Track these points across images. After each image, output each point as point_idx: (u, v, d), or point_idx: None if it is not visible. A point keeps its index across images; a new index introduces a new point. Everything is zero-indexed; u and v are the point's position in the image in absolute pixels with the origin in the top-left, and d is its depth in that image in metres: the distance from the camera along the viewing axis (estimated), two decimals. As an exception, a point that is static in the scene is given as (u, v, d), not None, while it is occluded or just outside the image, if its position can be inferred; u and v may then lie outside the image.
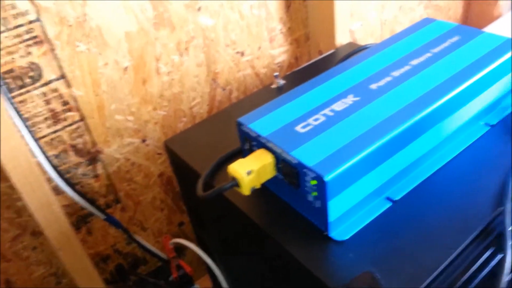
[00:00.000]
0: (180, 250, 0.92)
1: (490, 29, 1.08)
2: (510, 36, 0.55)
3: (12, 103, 0.58)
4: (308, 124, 0.48)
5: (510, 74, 0.54)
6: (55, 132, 0.68)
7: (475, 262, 0.44)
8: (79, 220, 0.78)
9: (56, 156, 0.70)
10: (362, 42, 1.00)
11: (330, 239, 0.45)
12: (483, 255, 0.45)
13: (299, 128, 0.47)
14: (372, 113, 0.47)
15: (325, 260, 0.44)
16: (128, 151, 0.77)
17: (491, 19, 1.14)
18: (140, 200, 0.84)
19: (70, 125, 0.69)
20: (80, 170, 0.74)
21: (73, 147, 0.71)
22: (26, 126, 0.60)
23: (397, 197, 0.48)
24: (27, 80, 0.63)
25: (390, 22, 1.05)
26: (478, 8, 1.16)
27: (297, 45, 0.89)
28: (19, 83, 0.62)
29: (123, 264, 0.88)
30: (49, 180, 0.68)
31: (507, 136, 0.53)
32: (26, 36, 0.60)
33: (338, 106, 0.49)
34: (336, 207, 0.44)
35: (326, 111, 0.49)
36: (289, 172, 0.46)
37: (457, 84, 0.49)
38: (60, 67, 0.64)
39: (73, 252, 0.72)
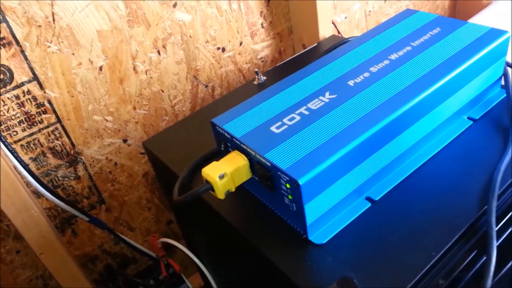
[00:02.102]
0: (171, 248, 0.91)
1: (478, 17, 1.05)
2: (499, 24, 0.53)
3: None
4: (283, 124, 0.46)
5: (494, 65, 0.52)
6: (31, 135, 0.67)
7: (459, 264, 0.43)
8: (63, 222, 0.77)
9: (34, 159, 0.69)
10: (347, 34, 0.98)
11: (309, 243, 0.44)
12: (467, 257, 0.43)
13: (274, 129, 0.46)
14: (349, 111, 0.45)
15: (303, 265, 0.43)
16: (110, 151, 0.76)
17: (480, 7, 1.11)
18: (125, 200, 0.82)
19: (47, 127, 0.67)
20: (60, 173, 0.72)
21: (51, 149, 0.70)
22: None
23: (377, 197, 0.46)
24: (-2, 83, 0.61)
25: (375, 13, 1.02)
26: (466, -4, 1.13)
27: (280, 39, 0.87)
28: (-11, 86, 0.61)
29: (111, 264, 0.87)
30: (29, 184, 0.67)
31: (490, 130, 0.51)
32: (-8, 38, 0.58)
33: (314, 104, 0.47)
34: (313, 210, 0.42)
35: (302, 109, 0.47)
36: (263, 175, 0.44)
37: (438, 78, 0.47)
38: (32, 69, 0.62)
39: (55, 255, 0.71)
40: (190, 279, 0.82)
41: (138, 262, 0.90)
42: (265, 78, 0.71)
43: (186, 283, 0.80)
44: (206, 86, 0.81)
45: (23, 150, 0.67)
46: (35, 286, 0.80)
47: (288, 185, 0.41)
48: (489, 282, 0.39)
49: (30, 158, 0.68)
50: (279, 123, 0.46)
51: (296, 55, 0.77)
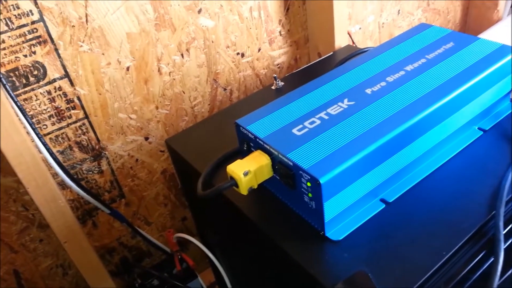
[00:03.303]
0: (184, 244, 0.94)
1: (489, 33, 1.08)
2: (509, 40, 0.56)
3: (16, 101, 0.60)
4: (304, 127, 0.49)
5: (504, 80, 0.55)
6: (59, 129, 0.70)
7: (467, 265, 0.45)
8: (84, 214, 0.80)
9: (61, 152, 0.72)
10: (360, 45, 1.01)
11: (325, 239, 0.47)
12: (475, 258, 0.46)
13: (295, 131, 0.49)
14: (367, 117, 0.48)
15: (320, 259, 0.45)
16: (132, 148, 0.79)
17: (490, 23, 1.14)
18: (144, 196, 0.86)
19: (75, 122, 0.71)
20: (85, 166, 0.76)
21: (78, 143, 0.73)
22: (31, 123, 0.61)
23: (391, 199, 0.49)
24: (32, 79, 0.64)
25: (388, 25, 1.06)
26: (477, 12, 1.16)
27: (296, 47, 0.90)
28: (24, 81, 0.64)
29: (127, 257, 0.90)
30: (55, 175, 0.70)
31: (500, 140, 0.54)
32: (30, 36, 0.62)
33: (334, 110, 0.50)
34: (331, 208, 0.45)
35: (322, 114, 0.50)
36: (285, 174, 0.47)
37: (451, 90, 0.50)
38: (64, 66, 0.66)
39: (78, 245, 0.74)
40: (201, 275, 0.85)
41: (152, 256, 0.93)
42: (282, 83, 0.74)
43: (198, 278, 0.83)
44: (225, 89, 0.85)
45: (51, 143, 0.70)
46: (55, 274, 0.83)
47: (308, 184, 0.44)
48: (496, 281, 0.42)
49: (58, 151, 0.71)
50: (301, 126, 0.49)
51: (312, 63, 0.81)
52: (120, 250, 0.88)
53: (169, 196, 0.89)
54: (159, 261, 0.89)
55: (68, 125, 0.70)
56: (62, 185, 0.73)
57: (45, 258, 0.80)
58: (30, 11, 0.61)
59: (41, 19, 0.62)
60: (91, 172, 0.76)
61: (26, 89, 0.65)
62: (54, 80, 0.66)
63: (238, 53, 0.83)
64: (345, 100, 0.52)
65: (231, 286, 0.74)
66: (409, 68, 0.55)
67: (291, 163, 0.45)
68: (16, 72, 0.63)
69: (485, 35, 1.09)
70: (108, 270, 0.87)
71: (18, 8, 0.60)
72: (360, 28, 1.00)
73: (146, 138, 0.79)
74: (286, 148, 0.46)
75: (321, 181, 0.42)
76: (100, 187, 0.79)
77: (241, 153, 0.54)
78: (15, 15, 0.60)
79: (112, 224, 0.83)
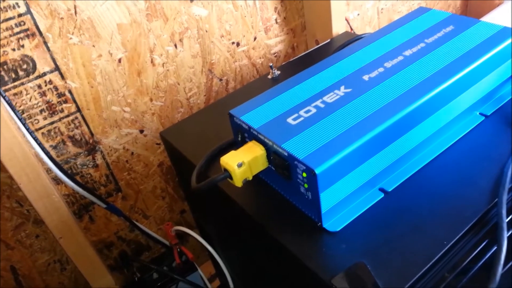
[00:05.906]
0: (183, 236, 0.93)
1: (490, 16, 1.06)
2: (510, 24, 0.54)
3: (4, 96, 0.58)
4: (300, 116, 0.47)
5: (506, 63, 0.53)
6: (52, 123, 0.69)
7: (469, 254, 0.44)
8: (81, 208, 0.79)
9: (54, 147, 0.71)
10: (359, 31, 0.99)
11: (323, 230, 0.45)
12: (478, 247, 0.44)
13: (290, 120, 0.47)
14: (364, 104, 0.47)
15: (317, 251, 0.44)
16: (127, 141, 0.78)
17: (491, 6, 1.11)
18: (141, 189, 0.85)
19: (67, 116, 0.70)
20: (79, 161, 0.75)
21: (71, 138, 0.72)
22: (20, 118, 0.60)
23: (390, 188, 0.48)
24: (21, 73, 0.63)
25: (387, 10, 1.03)
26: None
27: (293, 34, 0.88)
28: (13, 76, 0.63)
29: (126, 251, 0.90)
30: (48, 170, 0.69)
31: (502, 126, 0.52)
32: (17, 29, 0.60)
33: (330, 97, 0.49)
34: (328, 199, 0.44)
35: (318, 102, 0.49)
36: (280, 164, 0.46)
37: (451, 74, 0.48)
38: (54, 59, 0.64)
39: (74, 240, 0.73)
40: (201, 268, 0.84)
41: (151, 249, 0.93)
42: (279, 72, 0.73)
43: (198, 270, 0.82)
44: (221, 79, 0.83)
45: (44, 138, 0.69)
46: (53, 269, 0.82)
47: (304, 174, 0.43)
48: (500, 270, 0.40)
49: (51, 146, 0.70)
50: (296, 115, 0.48)
51: (309, 50, 0.79)
52: (119, 244, 0.87)
53: (166, 189, 0.88)
54: (158, 255, 0.88)
55: (60, 119, 0.69)
56: (57, 180, 0.72)
57: (42, 254, 0.79)
58: (17, 3, 0.59)
59: (28, 12, 0.60)
60: (85, 167, 0.75)
61: (15, 83, 0.63)
62: (44, 74, 0.65)
63: (233, 43, 0.81)
64: (342, 88, 0.50)
65: (231, 278, 0.73)
66: (407, 53, 0.53)
67: (286, 154, 0.44)
68: (5, 67, 0.62)
69: (486, 19, 1.07)
70: (107, 264, 0.86)
71: (4, 0, 0.58)
72: (358, 14, 0.98)
73: (141, 131, 0.78)
74: (281, 138, 0.45)
75: (317, 171, 0.41)
76: (96, 181, 0.78)
77: (236, 144, 0.53)
78: (0, 8, 0.58)
79: (109, 218, 0.82)
